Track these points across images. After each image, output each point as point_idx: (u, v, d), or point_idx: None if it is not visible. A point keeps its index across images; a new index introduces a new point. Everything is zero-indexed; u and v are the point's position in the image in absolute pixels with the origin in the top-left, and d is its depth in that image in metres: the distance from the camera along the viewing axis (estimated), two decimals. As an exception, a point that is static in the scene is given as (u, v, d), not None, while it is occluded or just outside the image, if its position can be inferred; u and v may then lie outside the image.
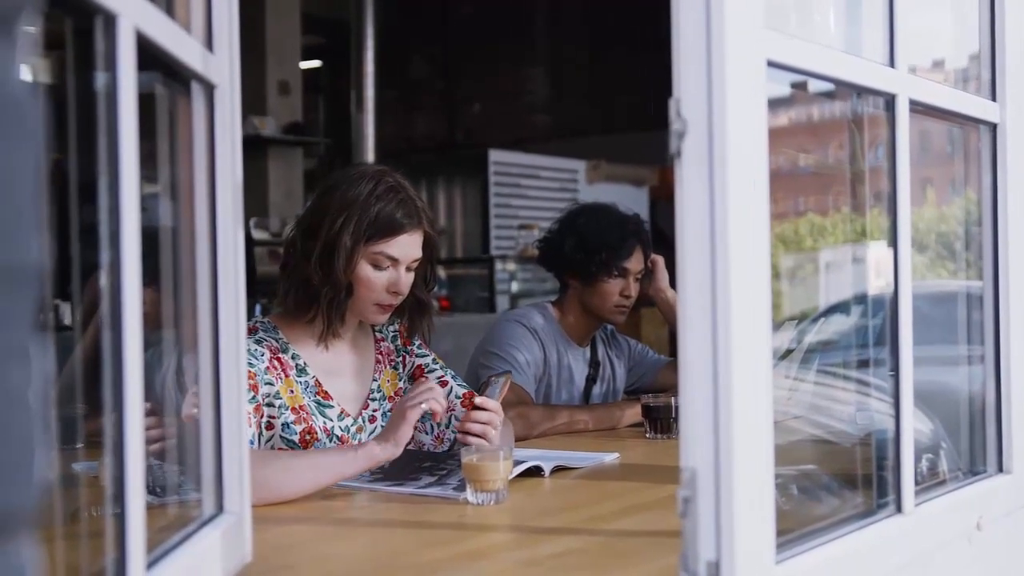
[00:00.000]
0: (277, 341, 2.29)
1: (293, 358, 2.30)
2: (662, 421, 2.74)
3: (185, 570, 1.22)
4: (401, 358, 2.49)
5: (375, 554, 1.69)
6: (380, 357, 2.46)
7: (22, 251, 0.61)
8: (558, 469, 2.26)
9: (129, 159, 1.05)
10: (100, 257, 1.05)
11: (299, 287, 2.29)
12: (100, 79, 1.04)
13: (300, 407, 2.26)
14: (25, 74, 0.64)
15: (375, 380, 2.43)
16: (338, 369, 2.37)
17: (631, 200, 7.11)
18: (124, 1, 1.03)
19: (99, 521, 1.34)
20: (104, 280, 1.05)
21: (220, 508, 1.42)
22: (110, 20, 1.03)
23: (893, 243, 1.59)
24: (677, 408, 2.73)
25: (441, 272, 8.12)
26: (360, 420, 2.36)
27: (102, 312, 1.09)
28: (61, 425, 1.35)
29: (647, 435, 2.76)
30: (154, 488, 1.37)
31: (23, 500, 0.60)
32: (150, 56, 1.15)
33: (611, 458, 2.43)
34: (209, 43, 1.40)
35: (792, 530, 1.38)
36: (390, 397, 2.44)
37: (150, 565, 1.11)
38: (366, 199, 2.23)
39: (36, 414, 0.61)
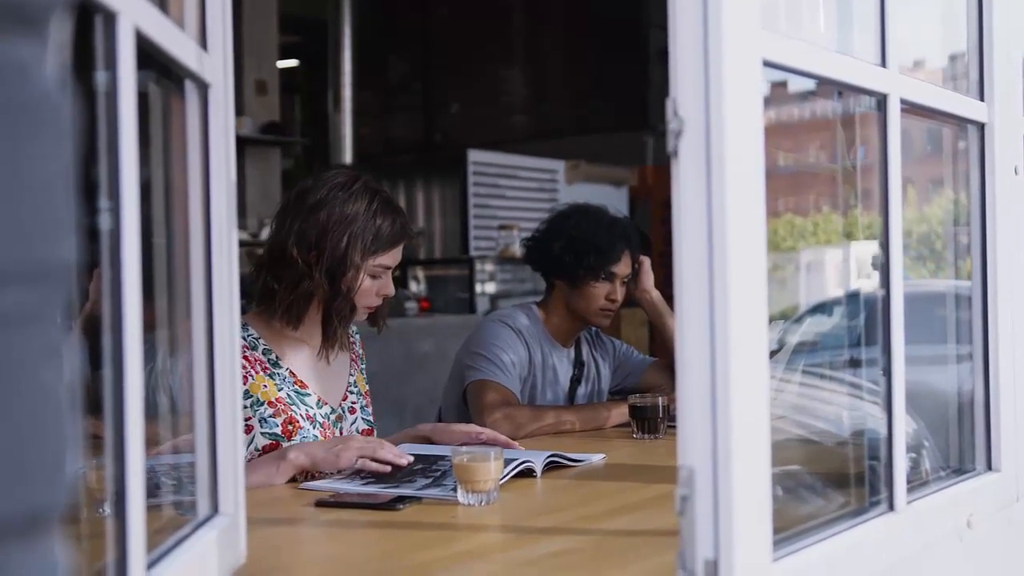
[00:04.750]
0: (246, 338, 2.33)
1: (264, 353, 2.37)
2: (649, 421, 2.74)
3: (183, 571, 1.22)
4: (365, 366, 2.62)
5: (368, 555, 1.69)
6: (353, 356, 2.57)
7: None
8: (550, 467, 2.28)
9: (129, 157, 1.04)
10: (87, 257, 1.04)
11: (303, 299, 2.35)
12: (99, 77, 1.04)
13: (277, 400, 2.32)
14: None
15: (351, 375, 2.53)
16: (315, 363, 2.44)
17: (610, 201, 7.09)
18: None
19: (93, 522, 1.33)
20: (98, 279, 1.05)
21: (215, 509, 1.42)
22: (110, 18, 1.02)
23: (885, 243, 1.60)
24: (664, 408, 2.75)
25: (420, 273, 8.12)
26: (340, 410, 2.45)
27: (87, 311, 1.09)
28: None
29: (634, 435, 2.76)
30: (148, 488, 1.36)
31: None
32: (145, 54, 1.14)
33: (599, 458, 2.44)
34: (203, 42, 1.39)
35: (788, 528, 1.39)
36: (364, 393, 2.55)
37: (150, 566, 1.10)
38: (367, 215, 2.34)
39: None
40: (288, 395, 2.34)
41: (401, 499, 1.95)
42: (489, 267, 7.97)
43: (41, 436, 0.59)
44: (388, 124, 11.00)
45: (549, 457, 2.29)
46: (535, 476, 2.20)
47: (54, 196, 0.61)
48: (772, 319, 2.49)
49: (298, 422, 2.32)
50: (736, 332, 1.21)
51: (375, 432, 2.56)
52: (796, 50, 1.40)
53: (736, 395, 1.21)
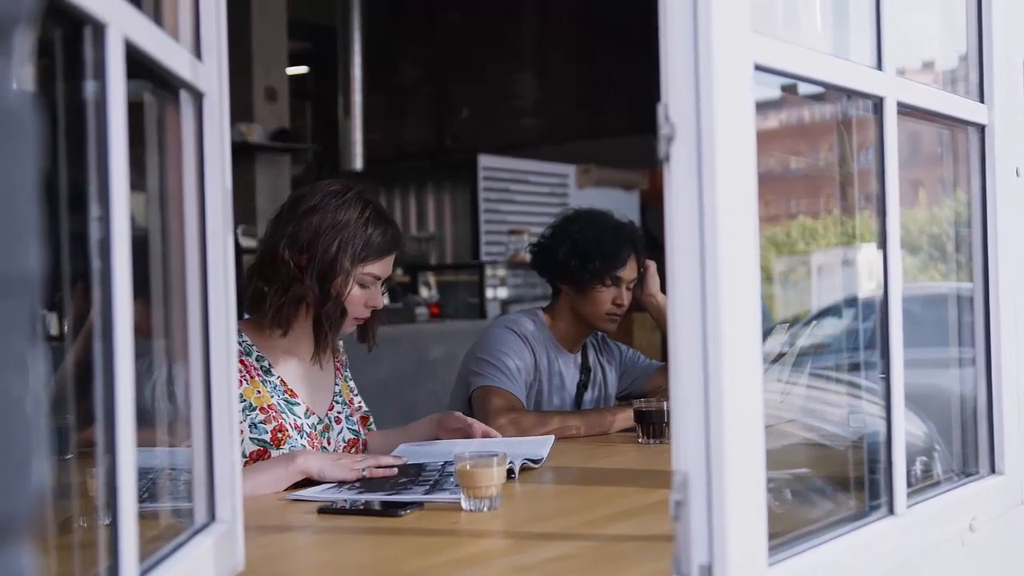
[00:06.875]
0: (241, 344, 2.35)
1: (258, 360, 2.40)
2: (654, 426, 2.74)
3: (178, 579, 1.22)
4: (348, 371, 2.65)
5: (367, 562, 1.69)
6: (338, 365, 2.60)
7: (20, 259, 0.61)
8: (524, 469, 2.31)
9: (119, 168, 1.04)
10: (87, 266, 1.05)
11: (293, 303, 2.37)
12: (89, 88, 1.04)
13: (269, 406, 2.36)
14: (21, 83, 0.64)
15: (336, 385, 2.56)
16: (303, 373, 2.47)
17: (621, 204, 7.11)
18: (113, 10, 1.03)
19: (89, 531, 1.34)
20: (94, 290, 1.05)
21: (212, 516, 1.42)
22: (99, 29, 1.02)
23: (883, 245, 1.59)
24: (669, 413, 2.74)
25: (431, 278, 8.12)
26: (327, 420, 2.48)
27: (91, 322, 1.09)
28: (51, 436, 1.35)
29: (639, 440, 2.76)
30: (144, 496, 1.37)
31: (21, 506, 0.61)
32: (138, 64, 1.14)
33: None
34: (198, 51, 1.40)
35: (785, 533, 1.38)
36: (349, 402, 2.58)
37: (144, 573, 1.11)
38: (358, 223, 2.38)
39: (34, 422, 0.62)
40: (279, 403, 2.37)
41: (404, 505, 1.95)
42: (500, 272, 7.97)
43: (5, 445, 0.59)
44: (398, 129, 11.00)
45: (524, 460, 2.32)
46: (514, 479, 2.20)
47: (18, 206, 0.61)
48: (784, 322, 2.48)
49: (287, 431, 2.35)
50: (729, 336, 1.21)
51: (360, 441, 2.57)
52: (789, 54, 1.40)
53: (729, 399, 1.21)
